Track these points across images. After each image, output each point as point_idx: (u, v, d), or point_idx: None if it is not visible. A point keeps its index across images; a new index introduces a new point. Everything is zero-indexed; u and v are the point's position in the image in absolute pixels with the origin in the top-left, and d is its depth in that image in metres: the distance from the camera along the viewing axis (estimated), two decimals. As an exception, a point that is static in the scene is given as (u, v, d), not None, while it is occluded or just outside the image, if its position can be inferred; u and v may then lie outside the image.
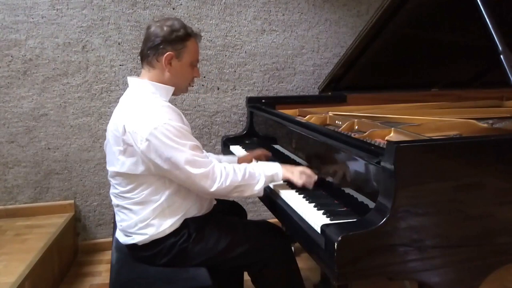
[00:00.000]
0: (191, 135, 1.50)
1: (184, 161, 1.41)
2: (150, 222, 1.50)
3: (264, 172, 1.55)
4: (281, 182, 1.63)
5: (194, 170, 1.42)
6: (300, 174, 1.59)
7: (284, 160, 1.97)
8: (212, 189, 1.45)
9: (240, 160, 1.92)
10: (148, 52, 1.54)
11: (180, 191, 1.51)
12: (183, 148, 1.41)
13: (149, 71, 1.56)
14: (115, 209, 1.62)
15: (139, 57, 2.61)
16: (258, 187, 1.52)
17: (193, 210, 1.56)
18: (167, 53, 1.51)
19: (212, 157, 1.93)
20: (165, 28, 1.51)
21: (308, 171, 1.61)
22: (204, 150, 1.94)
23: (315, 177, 1.60)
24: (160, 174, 1.47)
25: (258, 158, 1.96)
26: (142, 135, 1.40)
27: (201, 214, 1.60)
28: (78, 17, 2.50)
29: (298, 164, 1.82)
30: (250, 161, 1.91)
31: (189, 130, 1.51)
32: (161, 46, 1.51)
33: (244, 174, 1.50)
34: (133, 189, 1.51)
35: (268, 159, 1.97)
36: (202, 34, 2.63)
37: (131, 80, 1.59)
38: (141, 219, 1.51)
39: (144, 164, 1.45)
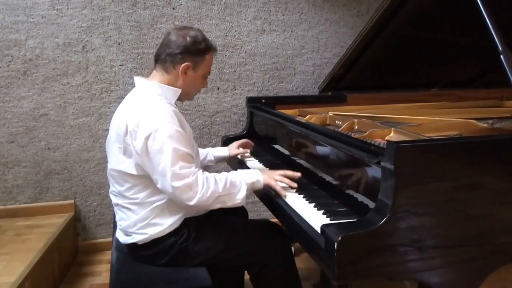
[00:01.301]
0: (189, 142, 1.49)
1: (170, 170, 1.39)
2: (150, 222, 1.51)
3: (245, 180, 1.53)
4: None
5: (176, 183, 1.40)
6: (281, 177, 1.58)
7: (284, 160, 1.98)
8: (192, 202, 1.43)
9: (230, 149, 2.02)
10: (166, 58, 1.54)
11: None
12: (175, 155, 1.40)
13: (162, 75, 1.56)
14: (115, 208, 1.63)
15: (139, 57, 2.64)
16: (240, 196, 1.51)
17: (193, 210, 1.56)
18: (186, 63, 1.53)
19: (203, 151, 1.97)
20: (188, 39, 1.52)
21: (289, 173, 1.60)
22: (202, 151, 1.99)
23: (298, 175, 1.59)
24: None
25: (244, 147, 2.07)
26: (140, 135, 1.41)
27: (201, 213, 1.60)
28: (78, 17, 2.50)
29: (298, 164, 1.82)
30: (237, 148, 2.03)
31: (188, 137, 1.50)
32: (181, 56, 1.52)
33: (225, 184, 1.48)
34: (130, 188, 1.51)
35: (252, 147, 2.11)
36: (202, 34, 2.64)
37: (138, 80, 1.59)
38: (141, 219, 1.51)
39: (138, 164, 1.46)
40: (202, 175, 1.46)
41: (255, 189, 1.60)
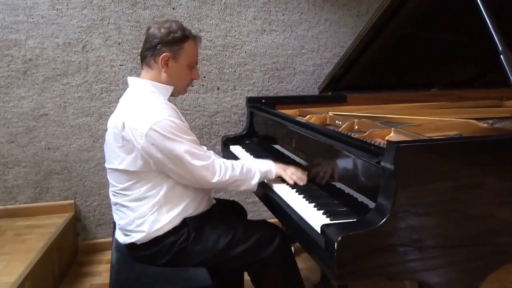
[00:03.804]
0: (190, 131, 1.53)
1: (185, 152, 1.44)
2: (148, 219, 1.51)
3: (259, 168, 1.62)
4: (274, 178, 1.69)
5: (195, 162, 1.46)
6: (291, 173, 1.65)
7: (284, 160, 1.97)
8: (213, 181, 1.50)
9: None
10: (146, 53, 1.57)
11: (177, 186, 1.53)
12: (182, 140, 1.45)
13: (147, 71, 1.59)
14: (113, 208, 1.64)
15: (139, 57, 2.63)
16: (254, 182, 1.59)
17: (191, 206, 1.57)
18: (164, 54, 1.54)
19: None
20: (162, 30, 1.54)
21: (300, 171, 1.67)
22: (204, 146, 1.99)
23: (305, 178, 1.66)
24: (159, 170, 1.49)
25: None
26: (141, 131, 1.42)
27: (199, 211, 1.60)
28: (78, 17, 2.50)
29: (298, 164, 1.82)
30: None
31: (188, 127, 1.54)
32: (158, 47, 1.54)
33: (241, 169, 1.57)
34: (131, 185, 1.52)
35: None
36: (202, 34, 2.64)
37: (131, 80, 1.62)
38: (139, 216, 1.52)
39: (143, 160, 1.47)
40: (218, 160, 1.53)
41: (267, 178, 1.67)
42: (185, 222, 1.55)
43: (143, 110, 1.47)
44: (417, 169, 1.18)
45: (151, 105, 1.49)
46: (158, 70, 1.56)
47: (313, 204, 1.43)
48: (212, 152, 1.96)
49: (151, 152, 1.44)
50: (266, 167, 1.65)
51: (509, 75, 1.46)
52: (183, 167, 1.46)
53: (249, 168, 1.59)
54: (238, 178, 1.55)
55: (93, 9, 2.51)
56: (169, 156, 1.44)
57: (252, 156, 2.12)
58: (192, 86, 1.74)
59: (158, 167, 1.48)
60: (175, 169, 1.46)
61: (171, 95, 1.62)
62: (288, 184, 1.65)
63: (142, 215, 1.52)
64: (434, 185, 1.20)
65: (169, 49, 1.54)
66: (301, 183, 1.63)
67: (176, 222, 1.54)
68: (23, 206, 2.63)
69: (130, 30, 2.58)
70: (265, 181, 1.69)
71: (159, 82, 1.57)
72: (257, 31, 2.77)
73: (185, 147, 1.44)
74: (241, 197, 2.78)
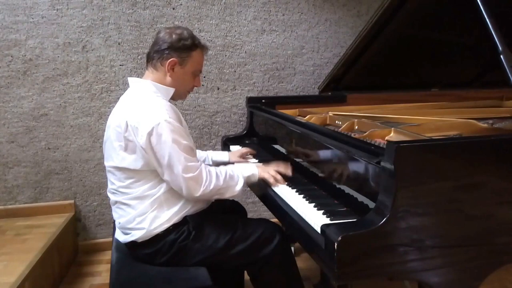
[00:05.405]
0: (188, 136, 1.55)
1: (177, 161, 1.46)
2: (148, 216, 1.53)
3: (242, 174, 1.63)
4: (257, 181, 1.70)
5: (184, 174, 1.47)
6: (275, 172, 1.67)
7: (284, 160, 1.97)
8: (197, 194, 1.51)
9: (231, 156, 2.02)
10: (154, 55, 1.59)
11: None
12: (178, 148, 1.46)
13: (152, 72, 1.61)
14: (113, 207, 1.65)
15: (139, 57, 2.65)
16: (238, 188, 1.60)
17: (190, 202, 1.58)
18: (172, 59, 1.57)
19: (202, 153, 2.02)
20: (173, 36, 1.57)
21: (282, 170, 1.69)
22: (205, 152, 2.01)
23: (289, 173, 1.68)
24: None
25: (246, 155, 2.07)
26: (143, 131, 1.45)
27: (199, 207, 1.62)
28: (78, 17, 2.50)
29: (298, 164, 1.82)
30: (239, 157, 2.02)
31: (186, 131, 1.55)
32: (167, 52, 1.57)
33: (225, 177, 1.57)
34: (131, 184, 1.54)
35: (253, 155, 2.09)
36: (202, 34, 2.65)
37: (132, 80, 1.64)
38: (139, 213, 1.54)
39: (144, 159, 1.49)
40: (204, 169, 1.53)
41: (251, 182, 1.68)
42: (186, 220, 1.56)
43: (146, 110, 1.49)
44: (417, 169, 1.18)
45: (153, 106, 1.51)
46: (163, 72, 1.59)
47: (313, 204, 1.43)
48: (200, 151, 2.01)
49: (149, 153, 1.47)
50: (249, 171, 1.65)
51: (509, 75, 1.46)
52: (172, 174, 1.48)
53: (232, 174, 1.60)
54: (221, 186, 1.55)
55: (93, 9, 2.51)
56: (162, 161, 1.46)
57: (252, 156, 2.12)
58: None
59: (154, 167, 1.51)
60: (165, 174, 1.49)
61: (171, 98, 1.64)
62: (291, 185, 1.64)
63: (143, 212, 1.53)
64: (434, 185, 1.20)
65: (178, 55, 1.57)
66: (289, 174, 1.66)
67: (176, 219, 1.55)
68: (23, 206, 2.63)
69: (130, 30, 2.58)
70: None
71: (162, 84, 1.60)
72: (257, 31, 2.77)
73: (179, 156, 1.46)
74: (241, 197, 2.78)
